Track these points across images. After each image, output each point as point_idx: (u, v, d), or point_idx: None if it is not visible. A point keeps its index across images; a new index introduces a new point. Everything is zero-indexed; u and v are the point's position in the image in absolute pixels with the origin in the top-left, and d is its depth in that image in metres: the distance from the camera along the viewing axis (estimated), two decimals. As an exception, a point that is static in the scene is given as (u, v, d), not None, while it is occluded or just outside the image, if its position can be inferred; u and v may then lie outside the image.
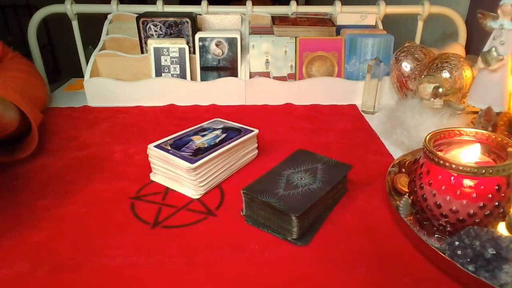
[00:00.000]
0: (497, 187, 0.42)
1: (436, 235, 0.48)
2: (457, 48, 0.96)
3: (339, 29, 1.00)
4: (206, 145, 0.60)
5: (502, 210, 0.44)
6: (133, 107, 0.92)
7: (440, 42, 1.22)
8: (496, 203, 0.43)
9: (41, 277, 0.43)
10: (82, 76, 0.97)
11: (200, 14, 1.03)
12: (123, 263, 0.45)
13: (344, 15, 1.04)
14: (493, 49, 0.63)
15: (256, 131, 0.66)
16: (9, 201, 0.56)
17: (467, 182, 0.43)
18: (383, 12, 1.04)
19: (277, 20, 0.98)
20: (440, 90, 0.68)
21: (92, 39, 1.17)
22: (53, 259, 0.45)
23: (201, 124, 0.68)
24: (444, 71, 0.78)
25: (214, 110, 0.91)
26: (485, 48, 0.65)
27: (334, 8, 1.04)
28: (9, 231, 0.50)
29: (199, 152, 0.57)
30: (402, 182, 0.57)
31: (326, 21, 0.99)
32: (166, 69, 0.94)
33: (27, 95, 0.72)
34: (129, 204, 0.56)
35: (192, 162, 0.55)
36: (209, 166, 0.58)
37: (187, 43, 0.93)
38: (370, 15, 1.04)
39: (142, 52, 0.97)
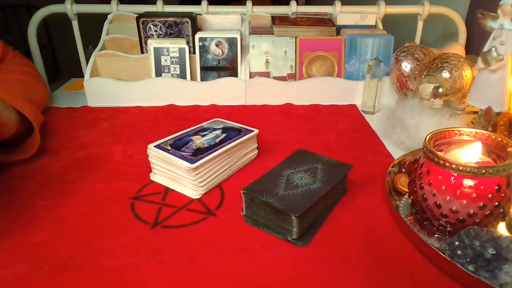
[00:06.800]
0: (497, 187, 0.42)
1: (436, 235, 0.48)
2: (457, 48, 0.96)
3: (339, 29, 1.00)
4: (206, 145, 0.60)
5: (502, 210, 0.44)
6: (133, 107, 0.92)
7: (440, 42, 1.22)
8: (496, 203, 0.43)
9: (41, 277, 0.43)
10: (82, 76, 0.97)
11: (200, 14, 1.03)
12: (123, 263, 0.45)
13: (344, 15, 1.04)
14: (493, 49, 0.63)
15: (256, 131, 0.66)
16: (9, 201, 0.56)
17: (467, 182, 0.43)
18: (383, 12, 1.04)
19: (277, 20, 0.98)
20: (440, 90, 0.68)
21: (92, 39, 1.17)
22: (53, 259, 0.45)
23: (201, 124, 0.68)
24: (444, 71, 0.78)
25: (214, 110, 0.91)
26: (485, 48, 0.65)
27: (334, 8, 1.04)
28: (9, 231, 0.50)
29: (199, 152, 0.57)
30: (402, 182, 0.57)
31: (326, 21, 0.99)
32: (166, 69, 0.94)
33: (29, 98, 0.72)
34: (129, 204, 0.56)
35: (192, 162, 0.55)
36: (209, 166, 0.58)
37: (187, 43, 0.93)
38: (370, 15, 1.04)
39: (142, 52, 0.97)
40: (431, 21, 1.15)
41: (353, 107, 0.94)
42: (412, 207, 0.52)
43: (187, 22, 0.94)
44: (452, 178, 0.44)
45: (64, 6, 1.00)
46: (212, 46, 0.93)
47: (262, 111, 0.91)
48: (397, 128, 0.71)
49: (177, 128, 0.70)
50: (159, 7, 1.03)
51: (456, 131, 0.50)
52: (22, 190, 0.59)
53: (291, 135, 0.78)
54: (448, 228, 0.46)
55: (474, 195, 0.43)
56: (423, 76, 0.72)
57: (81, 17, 1.05)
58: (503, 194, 0.43)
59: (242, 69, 0.94)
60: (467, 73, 0.77)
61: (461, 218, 0.44)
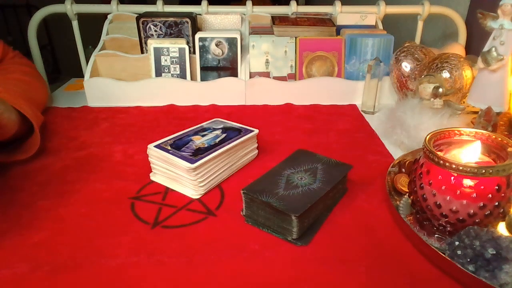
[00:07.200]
0: (497, 187, 0.42)
1: (436, 235, 0.48)
2: (457, 48, 0.96)
3: (339, 29, 1.00)
4: (206, 145, 0.60)
5: (502, 210, 0.44)
6: (133, 107, 0.92)
7: (440, 42, 1.22)
8: (496, 203, 0.43)
9: (41, 277, 0.43)
10: (82, 76, 0.97)
11: (200, 14, 1.03)
12: (123, 263, 0.45)
13: (344, 15, 1.03)
14: (493, 49, 0.63)
15: (256, 131, 0.66)
16: (9, 201, 0.56)
17: (467, 182, 0.43)
18: (383, 12, 1.04)
19: (277, 20, 0.98)
20: (440, 90, 0.68)
21: (92, 39, 1.17)
22: (53, 259, 0.45)
23: (201, 124, 0.68)
24: (444, 71, 0.78)
25: (214, 110, 0.91)
26: (485, 48, 0.65)
27: (334, 8, 1.04)
28: (9, 231, 0.50)
29: (199, 152, 0.57)
30: (402, 182, 0.57)
31: (326, 21, 0.99)
32: (166, 69, 0.94)
33: (29, 98, 0.72)
34: (129, 204, 0.56)
35: (192, 162, 0.55)
36: (209, 166, 0.58)
37: (187, 43, 0.93)
38: (370, 15, 1.04)
39: (142, 52, 0.97)
40: (431, 21, 1.15)
41: (353, 107, 0.94)
42: (412, 207, 0.52)
43: (187, 22, 0.94)
44: (452, 178, 0.44)
45: (64, 6, 1.00)
46: (212, 46, 0.93)
47: (262, 111, 0.91)
48: (397, 128, 0.71)
49: (177, 128, 0.70)
50: (159, 7, 1.03)
51: (456, 131, 0.50)
52: (22, 190, 0.59)
53: (291, 135, 0.78)
54: (448, 228, 0.46)
55: (474, 195, 0.42)
56: (423, 76, 0.72)
57: (81, 17, 1.05)
58: (503, 194, 0.43)
59: (242, 69, 0.94)
60: (467, 73, 0.77)
61: (461, 218, 0.44)
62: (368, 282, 0.42)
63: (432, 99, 0.70)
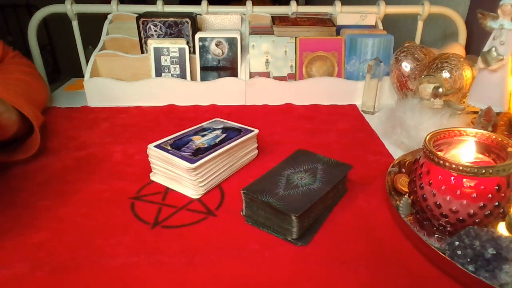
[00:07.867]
0: (497, 187, 0.42)
1: (436, 235, 0.48)
2: (457, 48, 0.96)
3: (339, 29, 1.00)
4: (206, 145, 0.60)
5: (502, 210, 0.44)
6: (133, 107, 0.92)
7: (440, 42, 1.22)
8: (496, 203, 0.43)
9: (41, 277, 0.43)
10: (82, 76, 0.97)
11: (200, 14, 1.03)
12: (123, 263, 0.45)
13: (344, 15, 1.04)
14: (493, 49, 0.63)
15: (256, 131, 0.66)
16: (9, 201, 0.56)
17: (467, 182, 0.43)
18: (383, 12, 1.04)
19: (277, 20, 0.98)
20: (440, 90, 0.68)
21: (92, 39, 1.17)
22: (53, 259, 0.45)
23: (201, 124, 0.68)
24: (444, 71, 0.78)
25: (214, 110, 0.91)
26: (485, 48, 0.65)
27: (334, 8, 1.04)
28: (9, 231, 0.50)
29: (199, 152, 0.57)
30: (402, 182, 0.57)
31: (326, 21, 0.99)
32: (166, 69, 0.94)
33: (29, 98, 0.72)
34: (129, 204, 0.56)
35: (192, 162, 0.55)
36: (209, 166, 0.58)
37: (187, 43, 0.93)
38: (370, 15, 1.04)
39: (142, 52, 0.97)
40: (431, 21, 1.15)
41: (353, 107, 0.94)
42: (412, 207, 0.52)
43: (187, 22, 0.94)
44: (452, 178, 0.44)
45: (64, 6, 1.00)
46: (212, 46, 0.93)
47: (262, 111, 0.91)
48: (397, 128, 0.71)
49: (177, 128, 0.70)
50: (159, 7, 1.03)
51: (456, 131, 0.50)
52: (22, 190, 0.59)
53: (291, 135, 0.78)
54: (448, 228, 0.46)
55: (474, 195, 0.42)
56: (423, 76, 0.72)
57: (81, 17, 1.05)
58: (503, 194, 0.43)
59: (242, 69, 0.94)
60: (467, 73, 0.77)
61: (461, 218, 0.44)
62: (368, 282, 0.42)
63: (432, 99, 0.70)
